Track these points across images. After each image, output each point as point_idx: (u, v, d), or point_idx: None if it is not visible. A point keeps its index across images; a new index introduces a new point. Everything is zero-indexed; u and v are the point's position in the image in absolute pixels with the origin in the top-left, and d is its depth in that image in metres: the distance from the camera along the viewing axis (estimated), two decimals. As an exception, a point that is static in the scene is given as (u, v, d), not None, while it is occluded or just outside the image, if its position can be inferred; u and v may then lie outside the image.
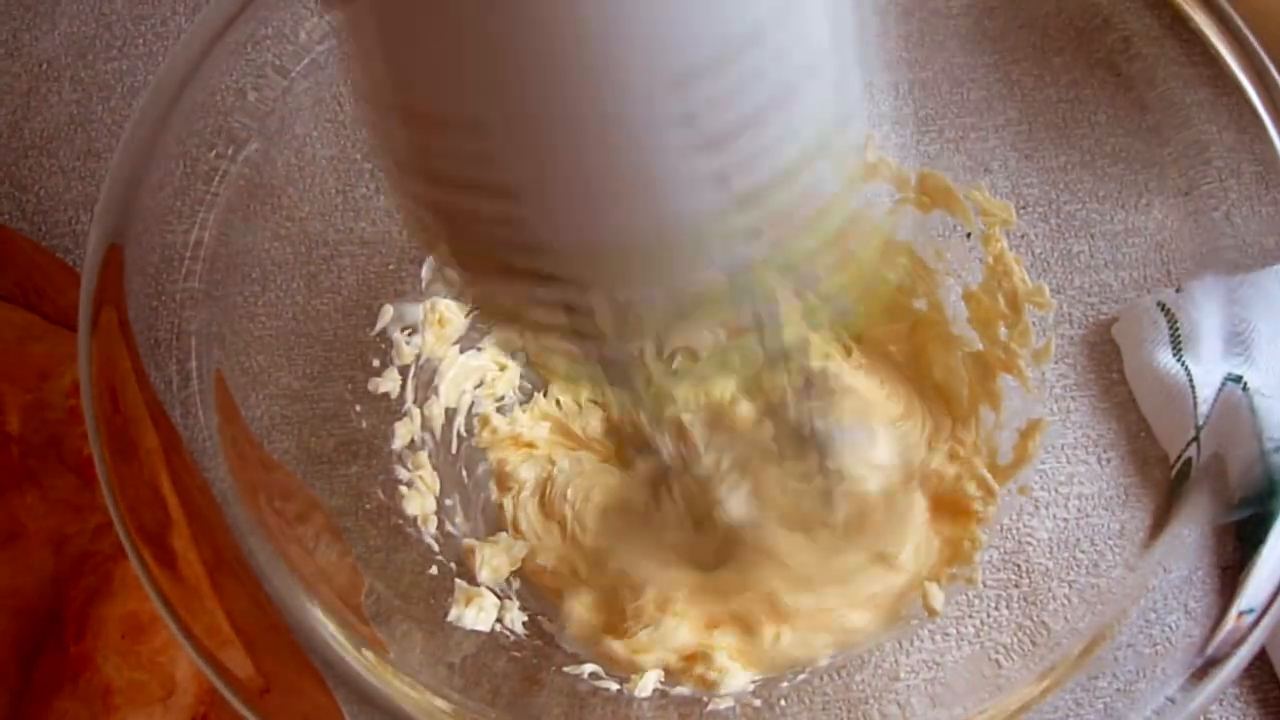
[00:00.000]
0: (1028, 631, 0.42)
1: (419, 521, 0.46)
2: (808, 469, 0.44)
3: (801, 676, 0.44)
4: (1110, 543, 0.43)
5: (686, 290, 0.25)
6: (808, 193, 0.24)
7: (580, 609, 0.46)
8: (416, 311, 0.49)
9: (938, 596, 0.45)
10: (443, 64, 0.21)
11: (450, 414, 0.50)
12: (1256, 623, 0.35)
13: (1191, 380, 0.43)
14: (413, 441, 0.48)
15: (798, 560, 0.45)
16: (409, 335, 0.49)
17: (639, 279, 0.24)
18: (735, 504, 0.45)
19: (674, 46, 0.20)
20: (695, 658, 0.44)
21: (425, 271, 0.51)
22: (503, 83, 0.20)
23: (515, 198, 0.22)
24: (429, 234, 0.26)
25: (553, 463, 0.49)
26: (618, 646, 0.44)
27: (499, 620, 0.45)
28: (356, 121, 0.45)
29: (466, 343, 0.51)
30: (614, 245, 0.23)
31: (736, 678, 0.44)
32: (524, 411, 0.51)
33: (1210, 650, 0.36)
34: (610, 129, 0.21)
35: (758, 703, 0.44)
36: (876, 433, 0.47)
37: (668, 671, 0.44)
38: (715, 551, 0.46)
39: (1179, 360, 0.44)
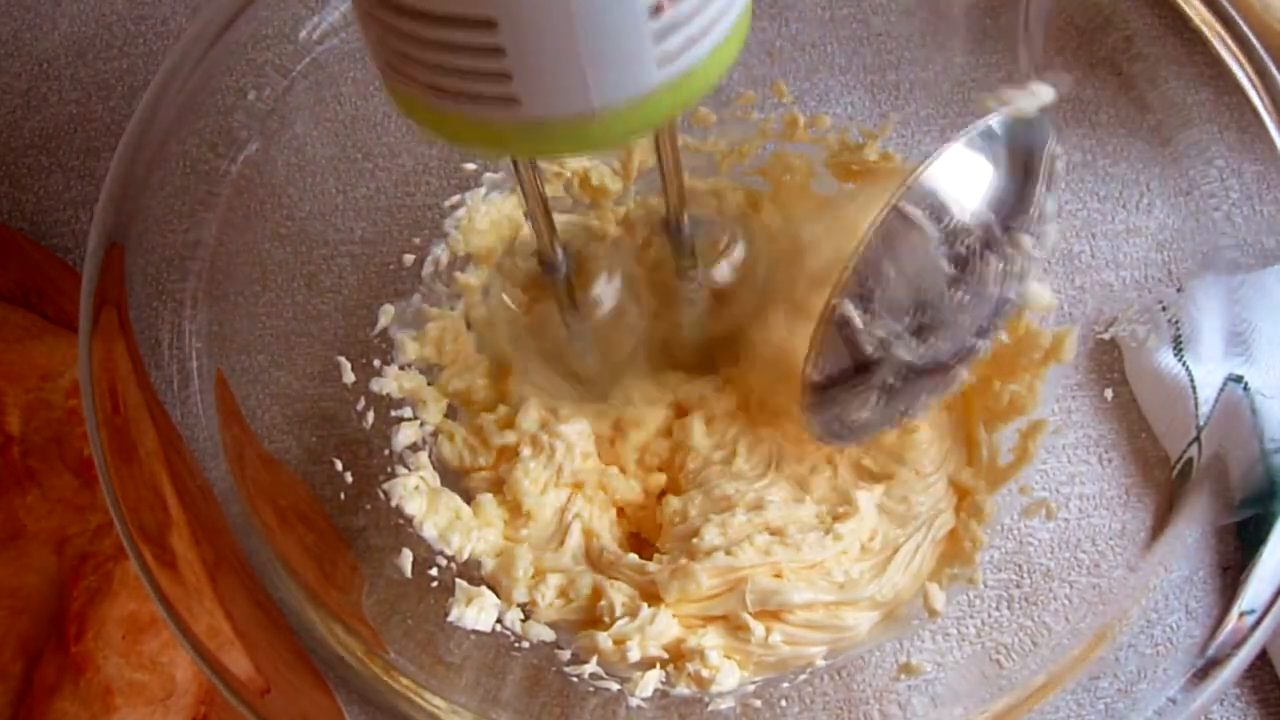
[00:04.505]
0: (1029, 632, 0.42)
1: (418, 521, 0.46)
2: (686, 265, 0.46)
3: (802, 677, 0.44)
4: (1111, 543, 0.43)
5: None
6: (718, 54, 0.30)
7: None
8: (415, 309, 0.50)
9: (938, 597, 0.45)
10: None
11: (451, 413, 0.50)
12: (1258, 623, 0.35)
13: (1192, 380, 0.43)
14: (414, 443, 0.48)
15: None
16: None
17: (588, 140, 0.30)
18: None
19: None
20: (686, 655, 0.44)
21: (426, 270, 0.51)
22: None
23: (510, 79, 0.27)
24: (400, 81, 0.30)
25: None
26: (601, 639, 0.44)
27: (499, 620, 0.45)
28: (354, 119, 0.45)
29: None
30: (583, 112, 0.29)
31: (730, 676, 0.44)
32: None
33: (1211, 651, 0.36)
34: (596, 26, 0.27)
35: (758, 703, 0.44)
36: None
37: (661, 667, 0.44)
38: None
39: (1180, 360, 0.44)
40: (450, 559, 0.46)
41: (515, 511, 0.48)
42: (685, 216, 0.43)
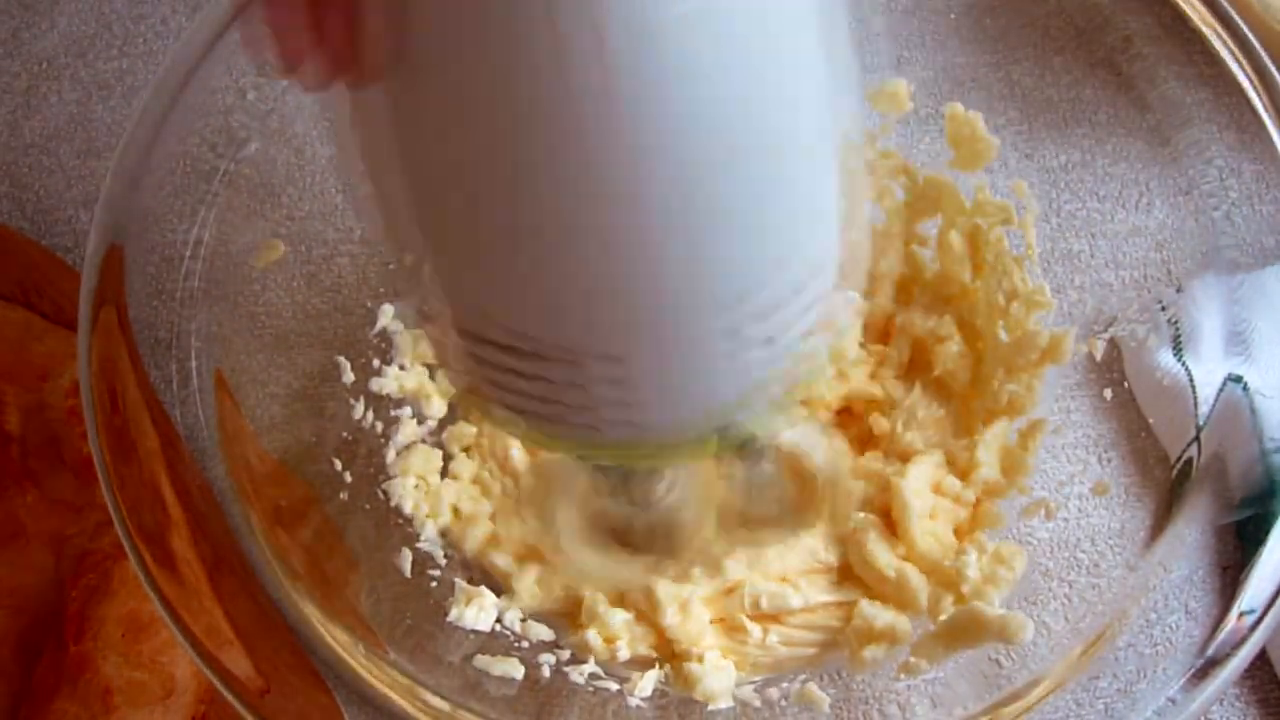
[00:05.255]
0: (1028, 631, 0.42)
1: (419, 521, 0.46)
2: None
3: (801, 677, 0.44)
4: (1111, 543, 0.43)
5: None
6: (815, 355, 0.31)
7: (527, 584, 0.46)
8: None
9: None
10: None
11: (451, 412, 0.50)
12: (1257, 623, 0.35)
13: (1192, 380, 0.43)
14: (414, 442, 0.48)
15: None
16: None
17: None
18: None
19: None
20: (683, 656, 0.44)
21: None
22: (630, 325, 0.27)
23: (628, 406, 0.29)
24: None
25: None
26: (591, 636, 0.44)
27: (499, 620, 0.45)
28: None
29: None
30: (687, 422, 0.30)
31: (726, 676, 0.44)
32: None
33: (1211, 651, 0.36)
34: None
35: (758, 703, 0.44)
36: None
37: (660, 667, 0.44)
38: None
39: (1180, 360, 0.44)
40: (448, 557, 0.46)
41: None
42: None
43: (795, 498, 0.48)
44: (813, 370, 0.31)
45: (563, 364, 0.28)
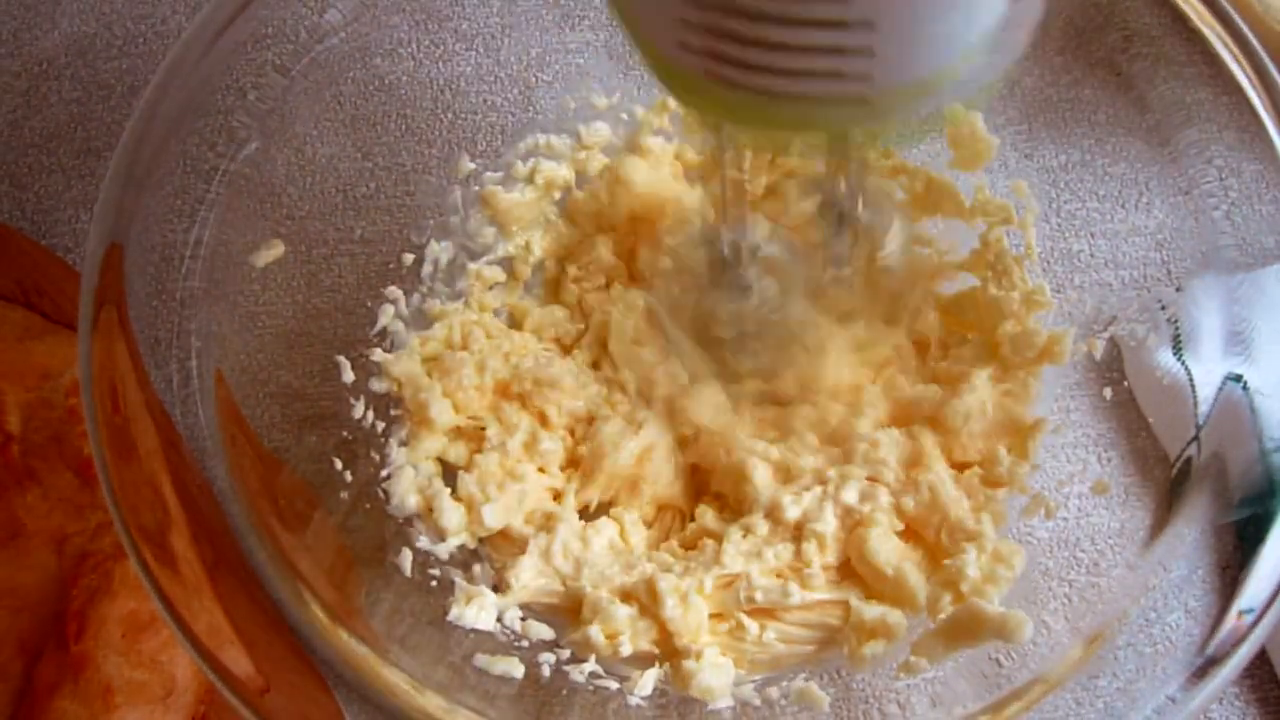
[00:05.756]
0: (1028, 631, 0.42)
1: (419, 520, 0.46)
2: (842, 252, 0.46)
3: (802, 675, 0.44)
4: (1110, 542, 0.43)
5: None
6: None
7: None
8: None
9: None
10: None
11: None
12: (1256, 622, 0.36)
13: (1192, 380, 0.43)
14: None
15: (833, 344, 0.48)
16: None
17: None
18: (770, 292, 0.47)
19: None
20: (682, 653, 0.44)
21: (425, 270, 0.51)
22: None
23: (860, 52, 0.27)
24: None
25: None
26: (593, 632, 0.44)
27: (499, 619, 0.45)
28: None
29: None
30: (920, 78, 0.29)
31: (725, 673, 0.44)
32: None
33: (1210, 649, 0.36)
34: None
35: (758, 701, 0.44)
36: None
37: (659, 665, 0.44)
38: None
39: (1179, 360, 0.44)
40: (450, 555, 0.46)
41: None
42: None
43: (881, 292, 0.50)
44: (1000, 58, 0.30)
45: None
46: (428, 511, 0.46)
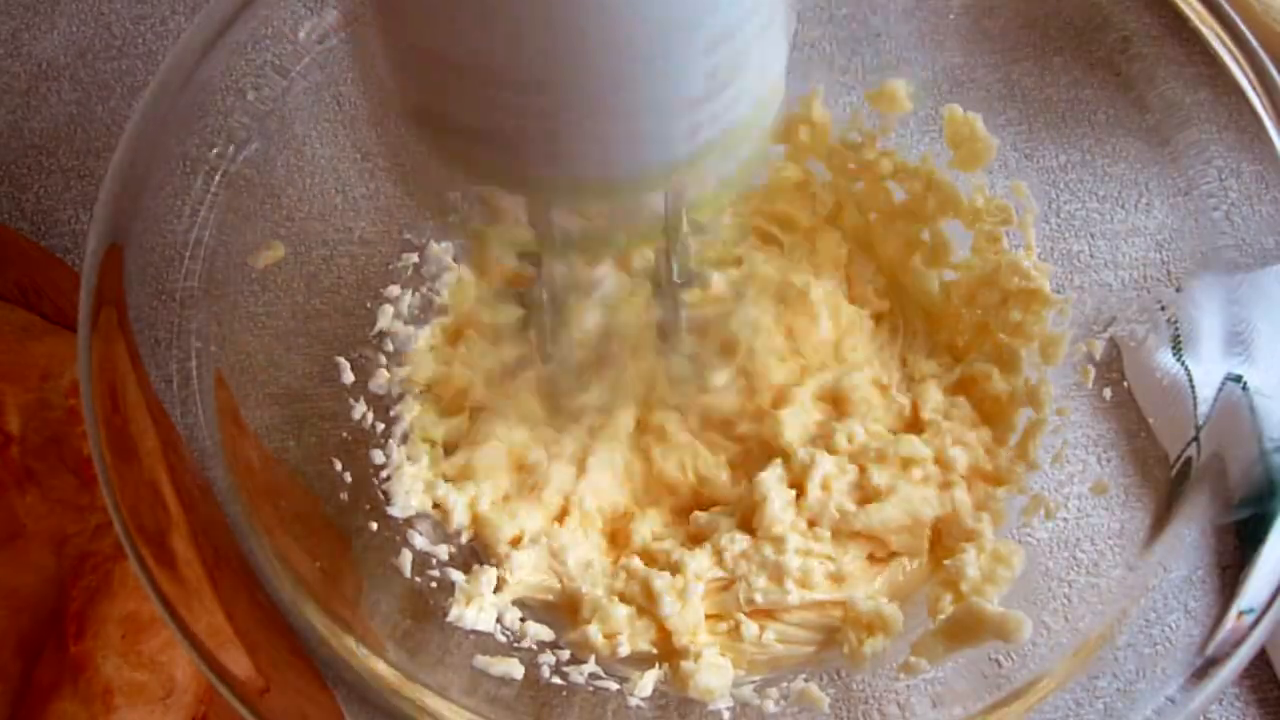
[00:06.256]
0: (1028, 631, 0.42)
1: (419, 520, 0.46)
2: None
3: (802, 676, 0.44)
4: (1110, 542, 0.43)
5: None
6: (758, 116, 0.31)
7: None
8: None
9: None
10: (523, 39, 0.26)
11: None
12: (1256, 622, 0.36)
13: (1191, 380, 0.43)
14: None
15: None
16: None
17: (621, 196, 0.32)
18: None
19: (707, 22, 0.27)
20: (681, 654, 0.44)
21: (427, 269, 0.51)
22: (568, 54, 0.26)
23: (556, 138, 0.28)
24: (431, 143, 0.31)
25: None
26: (592, 632, 0.44)
27: (499, 620, 0.45)
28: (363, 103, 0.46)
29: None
30: (626, 176, 0.30)
31: (723, 673, 0.44)
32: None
33: (1210, 650, 0.36)
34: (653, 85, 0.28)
35: (757, 702, 0.44)
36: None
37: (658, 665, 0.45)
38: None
39: (1179, 360, 0.44)
40: (450, 556, 0.46)
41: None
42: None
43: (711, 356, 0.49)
44: (743, 149, 0.31)
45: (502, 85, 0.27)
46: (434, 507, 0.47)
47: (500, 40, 0.26)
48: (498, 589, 0.46)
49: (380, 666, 0.38)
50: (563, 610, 0.46)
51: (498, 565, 0.46)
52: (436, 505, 0.47)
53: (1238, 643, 0.35)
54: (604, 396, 0.48)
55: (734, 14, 0.27)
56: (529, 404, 0.48)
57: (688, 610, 0.44)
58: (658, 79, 0.27)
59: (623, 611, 0.44)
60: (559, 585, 0.46)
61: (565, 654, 0.45)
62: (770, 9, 0.29)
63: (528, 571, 0.46)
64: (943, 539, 0.47)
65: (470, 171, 0.32)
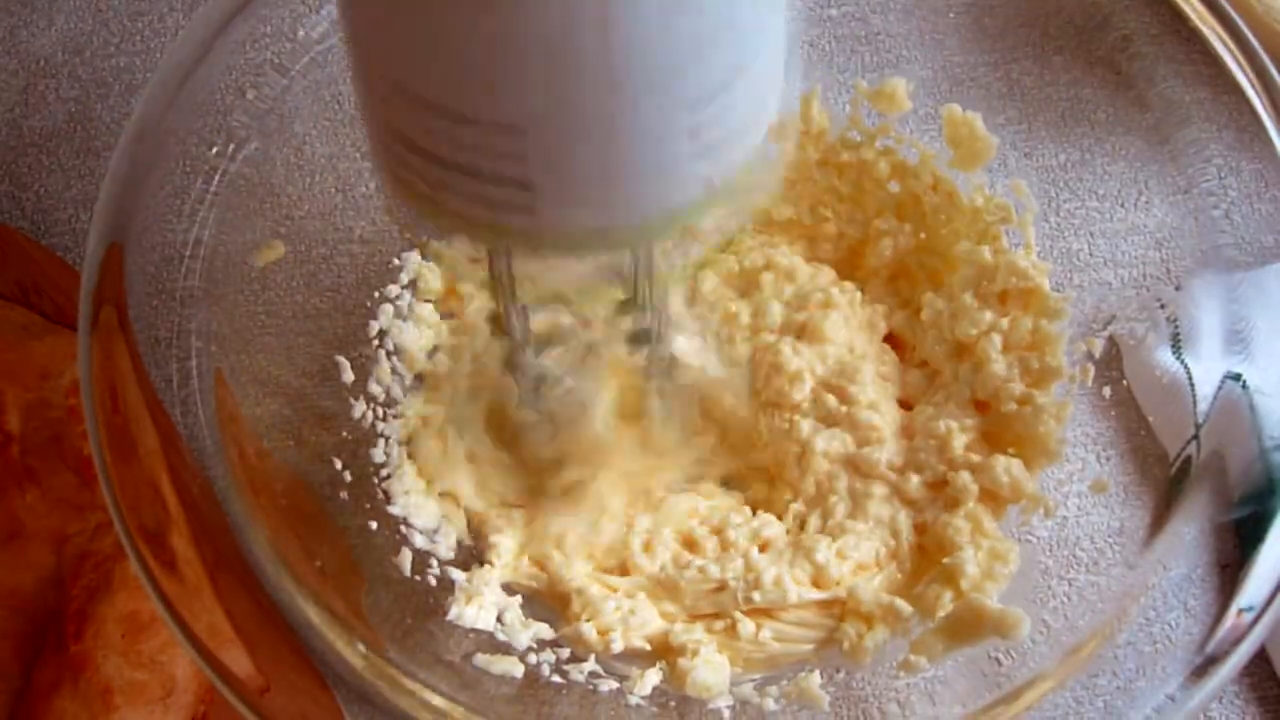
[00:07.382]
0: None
1: (418, 520, 0.46)
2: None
3: (802, 674, 0.44)
4: (1110, 541, 0.43)
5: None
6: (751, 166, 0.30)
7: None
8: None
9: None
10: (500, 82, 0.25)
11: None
12: (1256, 620, 0.36)
13: (1191, 378, 0.43)
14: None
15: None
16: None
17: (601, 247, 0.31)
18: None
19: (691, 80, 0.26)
20: (678, 651, 0.44)
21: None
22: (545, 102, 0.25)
23: (530, 189, 0.27)
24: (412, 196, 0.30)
25: None
26: (585, 628, 0.44)
27: (499, 619, 0.45)
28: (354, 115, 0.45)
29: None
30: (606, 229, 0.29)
31: (721, 671, 0.44)
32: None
33: (1210, 648, 0.36)
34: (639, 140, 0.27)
35: (757, 700, 0.44)
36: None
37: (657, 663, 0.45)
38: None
39: (1179, 358, 0.44)
40: (451, 556, 0.46)
41: None
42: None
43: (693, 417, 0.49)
44: (733, 201, 0.30)
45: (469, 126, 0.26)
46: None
47: (476, 86, 0.25)
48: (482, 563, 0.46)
49: (380, 666, 0.38)
50: (552, 598, 0.46)
51: (485, 550, 0.46)
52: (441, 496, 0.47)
53: (1237, 641, 0.36)
54: (581, 474, 0.48)
55: (717, 74, 0.26)
56: (500, 449, 0.48)
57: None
58: (637, 137, 0.26)
59: (611, 605, 0.44)
60: (542, 572, 0.46)
61: (565, 652, 0.45)
62: (762, 64, 0.28)
63: (514, 554, 0.46)
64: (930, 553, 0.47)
65: (437, 216, 0.30)
